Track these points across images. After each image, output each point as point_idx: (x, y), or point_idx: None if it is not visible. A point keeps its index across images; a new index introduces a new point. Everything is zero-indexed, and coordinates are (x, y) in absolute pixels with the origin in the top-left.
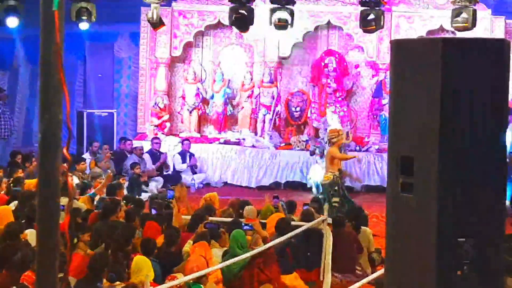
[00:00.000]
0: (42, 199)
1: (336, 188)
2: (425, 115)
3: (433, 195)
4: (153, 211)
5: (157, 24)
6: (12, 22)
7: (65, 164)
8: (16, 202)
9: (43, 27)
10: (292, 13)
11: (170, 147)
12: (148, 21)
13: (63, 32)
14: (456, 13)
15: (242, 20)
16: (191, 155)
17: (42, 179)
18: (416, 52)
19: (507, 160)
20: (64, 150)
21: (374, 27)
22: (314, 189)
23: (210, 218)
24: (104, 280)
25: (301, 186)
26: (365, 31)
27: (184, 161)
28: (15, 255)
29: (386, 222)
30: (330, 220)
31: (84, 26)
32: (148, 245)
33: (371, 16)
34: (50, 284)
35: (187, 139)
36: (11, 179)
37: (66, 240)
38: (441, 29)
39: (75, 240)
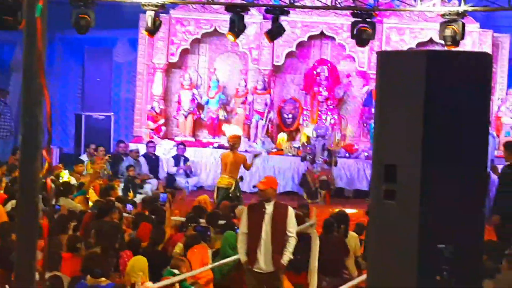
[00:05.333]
0: (22, 198)
1: (238, 194)
2: (409, 125)
3: (415, 202)
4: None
5: (153, 31)
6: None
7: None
8: (14, 201)
9: (27, 32)
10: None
11: (165, 150)
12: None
13: (46, 38)
14: (444, 26)
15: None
16: (186, 159)
17: (22, 179)
18: (402, 63)
19: (488, 168)
20: (44, 152)
21: (367, 42)
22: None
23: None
24: (89, 277)
25: (292, 192)
26: (358, 44)
27: (177, 165)
28: (10, 255)
29: (369, 227)
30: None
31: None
32: (134, 244)
33: (364, 31)
34: (28, 281)
35: (182, 144)
36: (10, 178)
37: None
38: (431, 41)
39: (79, 245)
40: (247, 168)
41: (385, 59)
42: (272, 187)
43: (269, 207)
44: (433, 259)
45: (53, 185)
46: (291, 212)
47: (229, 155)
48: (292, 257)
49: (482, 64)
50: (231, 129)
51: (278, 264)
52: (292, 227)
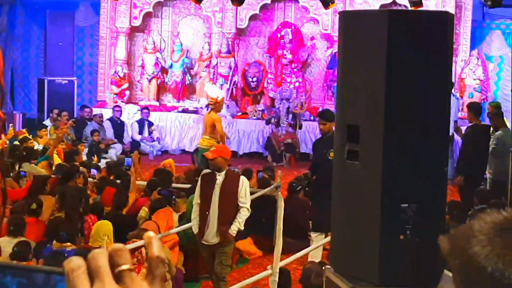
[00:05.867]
0: None
1: None
2: (371, 85)
3: (378, 162)
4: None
5: None
6: None
7: None
8: None
9: None
10: None
11: (130, 115)
12: None
13: None
14: None
15: None
16: (150, 123)
17: None
18: (364, 23)
19: (452, 129)
20: None
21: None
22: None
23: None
24: (54, 241)
25: (257, 155)
26: (325, 6)
27: (142, 130)
28: None
29: (333, 188)
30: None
31: None
32: (98, 208)
33: None
34: None
35: (146, 108)
36: None
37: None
38: (394, 3)
39: (34, 206)
40: (219, 132)
41: (347, 19)
42: (221, 156)
43: (220, 177)
44: (396, 219)
45: (7, 142)
46: (243, 182)
47: (206, 116)
48: (242, 228)
49: (443, 22)
50: (212, 90)
51: (225, 235)
52: (244, 197)
